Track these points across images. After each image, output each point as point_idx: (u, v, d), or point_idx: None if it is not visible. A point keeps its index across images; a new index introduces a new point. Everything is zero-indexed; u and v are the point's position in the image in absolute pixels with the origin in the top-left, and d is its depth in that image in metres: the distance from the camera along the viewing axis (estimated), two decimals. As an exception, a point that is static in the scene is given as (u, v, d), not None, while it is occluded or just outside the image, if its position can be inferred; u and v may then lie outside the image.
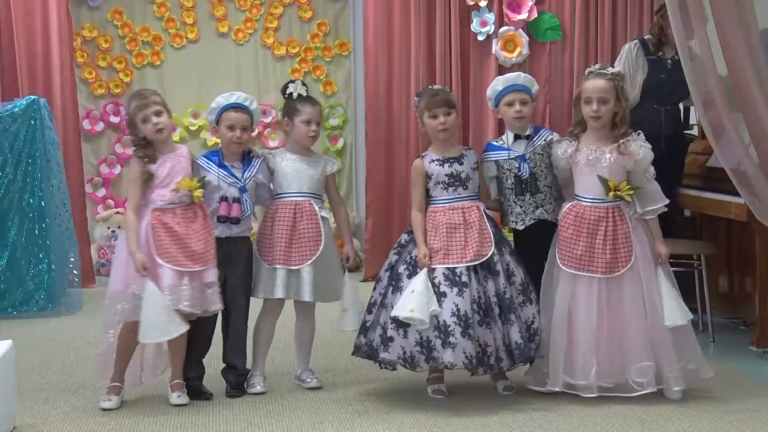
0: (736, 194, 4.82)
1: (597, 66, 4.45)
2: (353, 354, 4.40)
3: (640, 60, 5.65)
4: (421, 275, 4.16)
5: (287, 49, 7.76)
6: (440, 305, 4.10)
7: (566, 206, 4.34)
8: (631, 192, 4.24)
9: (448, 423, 4.01)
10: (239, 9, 7.73)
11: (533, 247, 4.42)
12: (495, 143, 4.55)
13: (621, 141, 4.25)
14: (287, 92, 4.54)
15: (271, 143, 7.63)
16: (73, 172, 6.90)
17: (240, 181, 4.38)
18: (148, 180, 4.22)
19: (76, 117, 7.19)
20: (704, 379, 4.32)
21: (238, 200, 4.35)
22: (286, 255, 4.37)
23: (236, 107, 4.39)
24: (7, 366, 3.87)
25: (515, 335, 4.18)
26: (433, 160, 4.34)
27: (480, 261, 4.19)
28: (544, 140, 4.45)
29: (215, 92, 6.95)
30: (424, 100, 4.36)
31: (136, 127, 4.25)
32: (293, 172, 4.44)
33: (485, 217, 4.29)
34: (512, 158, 4.41)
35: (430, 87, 4.53)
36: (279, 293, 4.36)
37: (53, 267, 6.19)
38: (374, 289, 4.40)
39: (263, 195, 4.49)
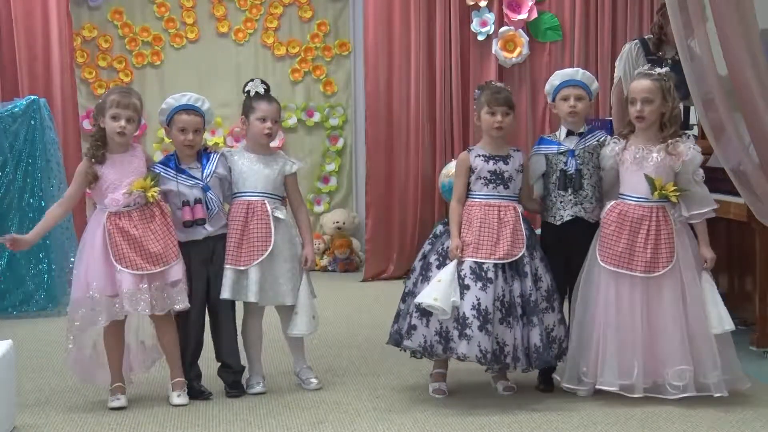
0: (736, 194, 4.82)
1: (646, 67, 4.45)
2: (387, 343, 4.41)
3: (640, 60, 5.64)
4: (450, 266, 4.19)
5: (287, 49, 7.76)
6: (462, 297, 4.12)
7: (609, 204, 4.32)
8: (677, 193, 4.22)
9: (448, 423, 4.01)
10: (239, 9, 7.73)
11: (564, 244, 4.39)
12: (547, 137, 4.55)
13: (669, 141, 4.23)
14: (245, 90, 4.47)
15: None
16: (73, 172, 6.86)
17: (200, 180, 4.34)
18: (92, 181, 4.21)
19: (76, 117, 7.19)
20: (741, 390, 4.27)
21: (200, 201, 4.30)
22: (235, 255, 4.33)
23: (187, 109, 4.34)
24: (7, 366, 3.87)
25: (535, 338, 4.18)
26: (479, 155, 4.36)
27: (509, 260, 4.20)
28: (597, 140, 4.43)
29: (215, 92, 7.08)
30: (486, 95, 4.35)
31: (102, 116, 4.21)
32: (248, 171, 4.40)
33: (521, 219, 4.29)
34: (561, 153, 4.41)
35: (493, 83, 4.51)
36: (226, 294, 4.32)
37: (53, 267, 6.19)
38: (408, 278, 4.43)
39: (227, 190, 4.44)
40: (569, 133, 4.44)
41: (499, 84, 4.51)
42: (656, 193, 4.22)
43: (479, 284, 4.14)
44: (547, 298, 4.25)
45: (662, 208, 4.24)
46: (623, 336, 4.21)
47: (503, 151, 4.37)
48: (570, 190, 4.38)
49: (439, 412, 4.14)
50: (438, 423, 4.01)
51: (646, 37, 5.80)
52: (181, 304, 4.22)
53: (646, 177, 4.23)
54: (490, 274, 4.16)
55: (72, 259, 6.32)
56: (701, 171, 4.30)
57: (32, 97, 6.22)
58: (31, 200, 6.13)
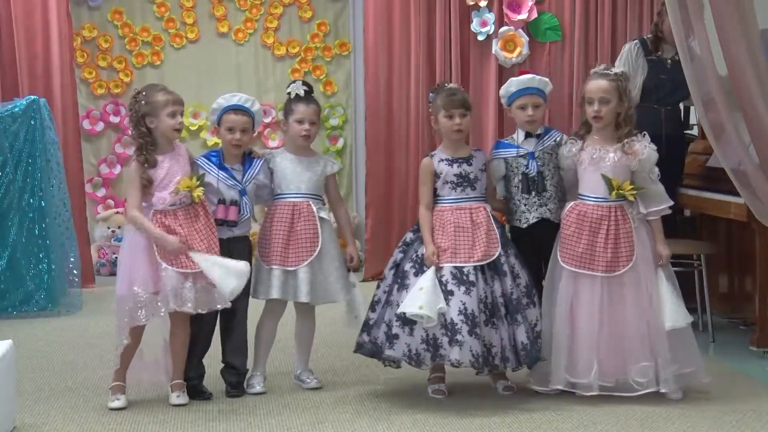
0: (736, 194, 4.82)
1: (602, 66, 4.44)
2: (355, 351, 4.40)
3: (640, 60, 5.66)
4: (429, 273, 4.17)
5: (287, 49, 7.77)
6: (447, 304, 4.11)
7: (569, 205, 4.34)
8: (635, 192, 4.24)
9: (448, 423, 4.01)
10: (239, 9, 7.73)
11: (533, 246, 4.42)
12: (505, 141, 4.55)
13: (625, 141, 4.26)
14: (287, 92, 4.53)
15: (271, 143, 7.63)
16: (73, 172, 6.90)
17: (240, 183, 4.36)
18: (147, 186, 4.20)
19: (76, 117, 7.19)
20: (701, 383, 4.30)
21: (236, 203, 4.33)
22: (283, 256, 4.36)
23: (237, 109, 4.37)
24: (7, 366, 3.87)
25: (521, 336, 4.18)
26: (442, 159, 4.35)
27: (488, 261, 4.20)
28: (554, 140, 4.45)
29: (215, 92, 6.96)
30: (442, 98, 4.34)
31: (153, 117, 4.20)
32: (292, 173, 4.44)
33: (492, 219, 4.30)
34: (521, 156, 4.42)
35: (446, 85, 4.49)
36: (275, 294, 4.36)
37: (53, 267, 6.19)
38: (378, 287, 4.40)
39: (264, 195, 4.48)
40: (527, 135, 4.44)
41: (452, 85, 4.50)
42: (614, 192, 4.23)
43: (462, 288, 4.13)
44: (526, 293, 4.25)
45: (620, 208, 4.25)
46: (582, 335, 4.22)
47: (465, 153, 4.37)
48: (534, 193, 4.39)
49: (439, 412, 4.13)
50: (438, 423, 4.01)
51: (645, 37, 5.80)
52: (223, 303, 4.22)
53: (603, 177, 4.24)
54: (472, 278, 4.15)
55: (72, 260, 6.36)
56: (657, 169, 4.31)
57: (32, 97, 6.22)
58: (31, 200, 6.13)
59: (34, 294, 6.16)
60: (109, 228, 7.56)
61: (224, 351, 4.45)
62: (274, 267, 4.36)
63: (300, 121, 4.43)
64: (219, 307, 4.22)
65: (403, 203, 7.39)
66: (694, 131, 6.06)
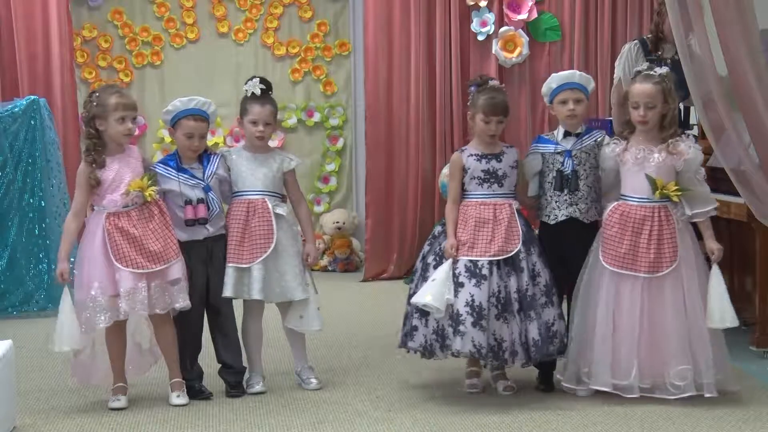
0: (736, 194, 4.82)
1: (645, 65, 4.43)
2: (398, 347, 4.41)
3: (639, 60, 5.63)
4: (445, 265, 4.21)
5: (287, 49, 7.76)
6: (456, 295, 4.14)
7: (611, 206, 4.31)
8: (679, 193, 4.22)
9: (448, 423, 4.01)
10: (239, 9, 7.72)
11: (558, 243, 4.39)
12: (545, 136, 4.55)
13: (670, 141, 4.23)
14: (244, 88, 4.46)
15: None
16: (73, 172, 6.80)
17: (202, 180, 4.34)
18: (95, 186, 4.20)
19: (76, 117, 7.17)
20: (731, 391, 4.25)
21: (202, 200, 4.31)
22: (237, 253, 4.33)
23: (195, 114, 4.34)
24: (7, 366, 3.87)
25: (534, 332, 4.18)
26: (471, 155, 4.36)
27: (503, 256, 4.20)
28: (594, 141, 4.42)
29: (215, 92, 7.08)
30: (483, 100, 4.31)
31: (102, 120, 4.18)
32: (247, 170, 4.41)
33: (516, 215, 4.29)
34: (558, 153, 4.40)
35: (489, 82, 4.42)
36: (228, 292, 4.33)
37: (53, 267, 6.17)
38: (411, 281, 4.44)
39: (225, 191, 4.45)
40: (567, 134, 4.43)
41: (494, 84, 4.44)
42: (657, 192, 4.22)
43: (473, 281, 4.16)
44: (545, 293, 4.25)
45: (664, 208, 4.24)
46: (623, 336, 4.20)
47: (496, 149, 4.37)
48: (566, 191, 4.38)
49: (439, 412, 4.14)
50: (438, 423, 4.01)
51: (645, 37, 5.80)
52: (182, 302, 4.22)
53: (648, 177, 4.22)
54: (485, 271, 4.17)
55: (72, 259, 6.34)
56: (703, 170, 4.30)
57: (32, 97, 6.22)
58: (31, 200, 6.13)
59: (34, 294, 6.17)
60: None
61: (217, 351, 4.45)
62: (229, 265, 4.33)
63: (254, 122, 4.40)
64: (178, 306, 4.22)
65: (403, 203, 7.39)
66: (694, 131, 6.06)
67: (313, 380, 4.49)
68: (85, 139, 4.28)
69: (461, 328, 4.10)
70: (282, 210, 4.41)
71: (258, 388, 4.42)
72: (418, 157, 7.37)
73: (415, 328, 4.26)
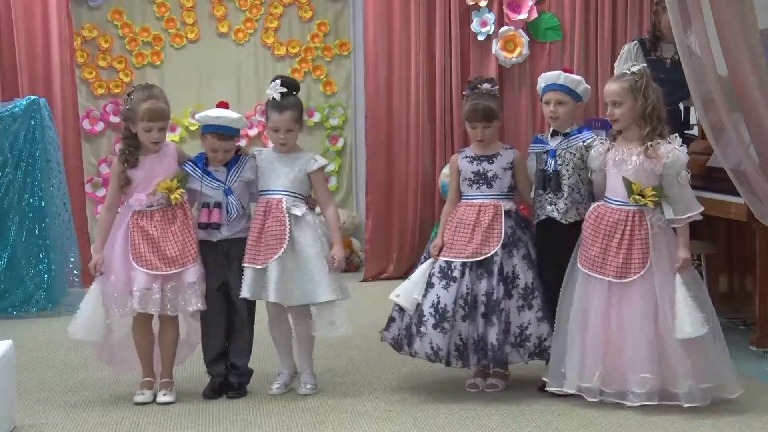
0: (736, 194, 4.82)
1: (626, 67, 4.43)
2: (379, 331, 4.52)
3: (639, 60, 5.64)
4: (424, 265, 4.31)
5: (287, 49, 7.76)
6: (425, 296, 4.22)
7: (593, 206, 4.30)
8: (655, 199, 4.14)
9: (448, 423, 4.01)
10: (239, 9, 7.72)
11: (549, 243, 4.38)
12: (539, 136, 4.57)
13: (649, 144, 4.15)
14: (267, 92, 4.40)
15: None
16: (73, 172, 6.89)
17: (224, 183, 4.33)
18: (125, 185, 4.23)
19: (76, 117, 7.18)
20: (729, 398, 4.16)
21: (220, 204, 4.30)
22: (254, 254, 4.30)
23: (221, 133, 4.31)
24: (7, 366, 3.87)
25: (492, 337, 4.20)
26: (466, 157, 4.42)
27: (477, 259, 4.24)
28: (582, 141, 4.38)
29: (215, 92, 7.07)
30: (467, 105, 4.38)
31: (134, 124, 4.23)
32: (269, 171, 4.38)
33: (503, 217, 4.30)
34: (544, 152, 4.41)
35: (480, 89, 4.42)
36: (245, 293, 4.30)
37: (53, 267, 6.19)
38: None
39: (255, 194, 4.44)
40: (555, 133, 4.44)
41: (485, 88, 4.42)
42: (632, 197, 4.15)
43: (443, 283, 4.23)
44: (524, 296, 4.25)
45: (639, 213, 4.16)
46: (591, 339, 4.16)
47: (490, 151, 4.40)
48: (548, 190, 4.37)
49: (439, 412, 4.14)
50: (438, 423, 4.01)
51: (644, 37, 5.80)
52: (195, 305, 4.23)
53: (624, 180, 4.17)
54: (456, 273, 4.23)
55: (72, 260, 6.36)
56: (686, 173, 4.18)
57: (32, 97, 6.22)
58: (31, 200, 6.13)
59: (34, 294, 6.16)
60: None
61: (228, 350, 4.45)
62: (246, 266, 4.30)
63: (275, 130, 4.37)
64: (191, 309, 4.23)
65: (403, 203, 7.39)
66: (694, 131, 6.06)
67: (306, 386, 4.43)
68: (123, 138, 4.31)
69: (422, 329, 4.19)
70: (298, 210, 4.31)
71: (275, 388, 4.40)
72: (418, 157, 7.38)
73: (393, 320, 4.37)
